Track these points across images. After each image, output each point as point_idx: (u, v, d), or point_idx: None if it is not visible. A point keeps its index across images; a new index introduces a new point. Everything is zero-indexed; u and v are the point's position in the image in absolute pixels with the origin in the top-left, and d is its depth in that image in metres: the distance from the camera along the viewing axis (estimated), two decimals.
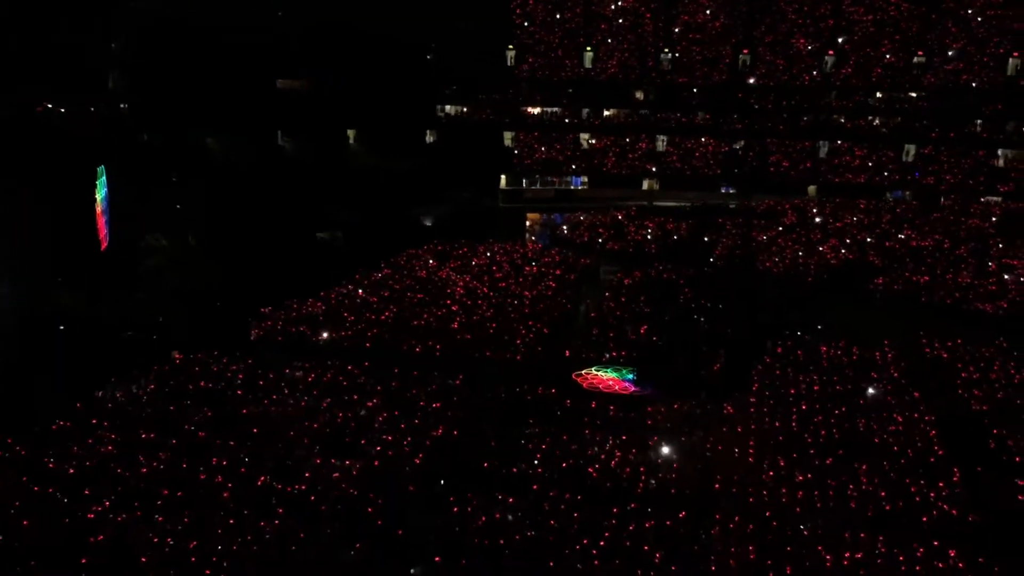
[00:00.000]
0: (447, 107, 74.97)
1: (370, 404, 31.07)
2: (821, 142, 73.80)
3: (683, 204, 66.87)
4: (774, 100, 74.33)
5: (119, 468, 26.01)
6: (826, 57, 74.49)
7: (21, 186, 39.99)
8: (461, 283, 45.90)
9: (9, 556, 21.54)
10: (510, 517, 24.00)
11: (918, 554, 22.57)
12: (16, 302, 38.92)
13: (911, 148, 72.35)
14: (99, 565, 21.37)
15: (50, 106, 60.98)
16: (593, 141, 74.85)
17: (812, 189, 72.11)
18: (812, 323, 41.67)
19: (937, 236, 57.14)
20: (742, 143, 74.44)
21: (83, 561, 21.49)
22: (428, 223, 62.36)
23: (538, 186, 72.76)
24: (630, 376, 35.65)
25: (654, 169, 73.59)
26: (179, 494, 24.62)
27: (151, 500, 24.21)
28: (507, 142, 74.22)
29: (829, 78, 74.33)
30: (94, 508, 23.65)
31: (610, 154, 74.03)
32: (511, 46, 75.97)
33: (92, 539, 22.28)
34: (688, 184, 71.88)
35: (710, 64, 75.55)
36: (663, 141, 74.69)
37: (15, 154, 43.79)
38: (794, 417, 31.13)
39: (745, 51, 75.42)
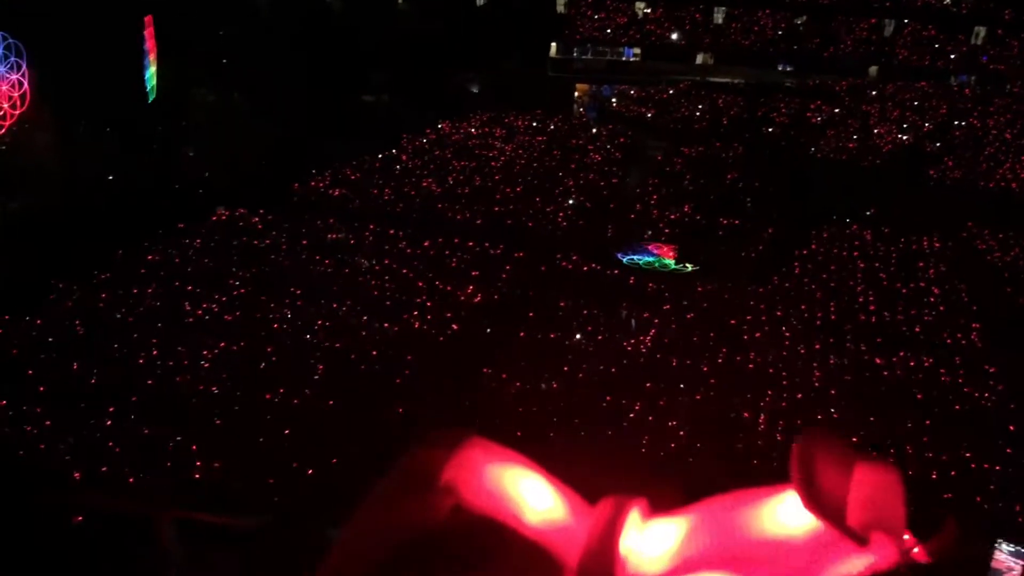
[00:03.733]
0: None
1: (408, 270, 31.38)
2: (887, 20, 70.63)
3: (737, 80, 64.87)
4: None
5: (164, 319, 26.77)
6: None
7: (68, 34, 39.67)
8: (505, 153, 45.44)
9: (59, 397, 22.44)
10: (543, 387, 24.45)
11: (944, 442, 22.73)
12: (63, 151, 39.32)
13: (981, 30, 69.04)
14: (148, 407, 22.22)
15: None
16: (648, 11, 72.32)
17: (873, 70, 69.44)
18: (861, 209, 40.90)
19: (1002, 121, 55.03)
20: (803, 18, 71.48)
21: (133, 399, 22.34)
22: (474, 90, 61.29)
23: (589, 56, 70.81)
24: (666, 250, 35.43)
25: (709, 42, 71.17)
26: (222, 345, 25.33)
27: (197, 350, 24.96)
28: (560, 8, 71.96)
29: None
30: (141, 355, 24.45)
31: (665, 25, 71.62)
32: None
33: (139, 383, 23.13)
34: (744, 60, 69.48)
35: None
36: (721, 13, 71.95)
37: (63, 1, 43.37)
38: (833, 304, 30.96)
39: None
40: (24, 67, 38.84)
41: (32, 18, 38.92)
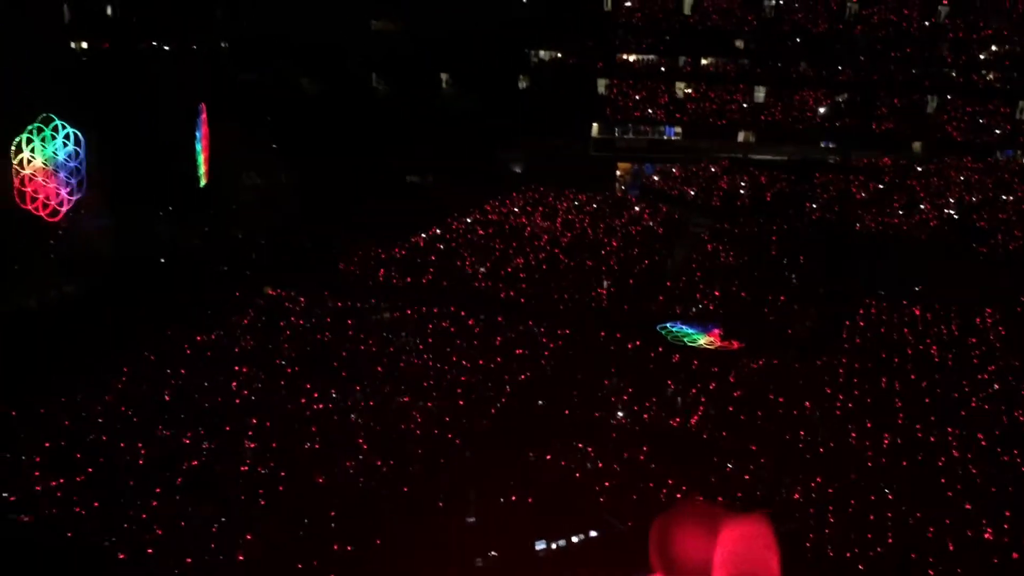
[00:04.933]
0: (541, 52, 74.07)
1: (452, 347, 31.43)
2: (929, 96, 70.66)
3: (780, 158, 65.02)
4: (881, 51, 71.29)
5: (211, 397, 27.00)
6: (939, 7, 71.01)
7: (126, 121, 41.16)
8: (549, 230, 45.74)
9: (105, 475, 22.60)
10: (588, 465, 24.13)
11: (1005, 526, 21.92)
12: (116, 234, 40.40)
13: None
14: (193, 487, 22.27)
15: (155, 44, 62.50)
16: (689, 91, 73.17)
17: (917, 145, 69.22)
18: (910, 285, 40.36)
19: None
20: (845, 96, 71.78)
21: (179, 480, 22.43)
22: (518, 169, 62.11)
23: (631, 135, 71.57)
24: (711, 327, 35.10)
25: (751, 120, 71.65)
26: (267, 424, 25.43)
27: (242, 430, 25.07)
28: (601, 89, 73.07)
29: (942, 29, 70.91)
30: (187, 434, 24.61)
31: (706, 104, 72.33)
32: None
33: (185, 464, 23.23)
34: (786, 137, 69.72)
35: (815, 13, 72.79)
36: (762, 92, 72.54)
37: (121, 90, 45.11)
38: (884, 380, 30.38)
39: (853, 0, 72.42)
40: (82, 155, 40.25)
41: (91, 109, 40.45)
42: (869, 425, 27.04)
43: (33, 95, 38.70)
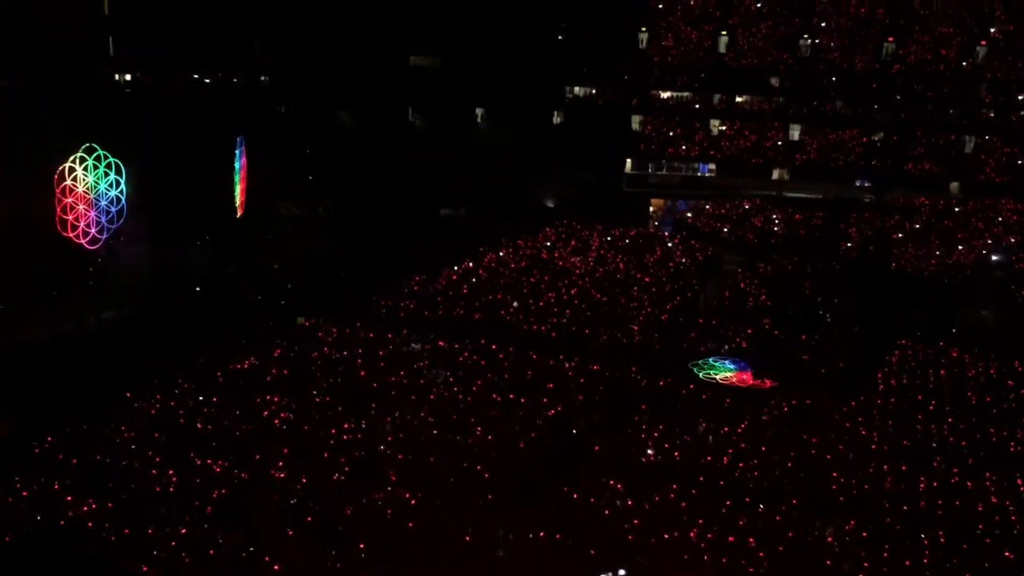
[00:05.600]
0: (575, 88, 74.49)
1: (483, 380, 31.41)
2: (967, 137, 70.09)
3: (814, 196, 64.70)
4: (919, 91, 70.90)
5: (242, 425, 27.14)
6: (977, 48, 70.65)
7: (165, 152, 41.95)
8: (580, 266, 45.74)
9: (137, 501, 22.74)
10: (618, 503, 23.91)
11: None
12: (153, 263, 41.05)
13: None
14: (223, 515, 22.35)
15: (195, 76, 63.71)
16: (723, 128, 73.18)
17: (955, 186, 68.56)
18: (946, 327, 39.84)
19: None
20: (881, 135, 71.40)
21: (208, 509, 22.52)
22: (551, 204, 62.32)
23: (664, 172, 71.60)
24: (747, 370, 34.81)
25: (785, 158, 71.43)
26: (297, 454, 25.48)
27: (272, 460, 25.14)
28: (635, 126, 73.27)
29: (980, 70, 70.49)
30: (218, 463, 24.72)
31: (740, 142, 72.27)
32: (644, 29, 74.83)
33: (215, 492, 23.32)
34: (821, 175, 69.36)
35: (851, 52, 72.69)
36: (797, 130, 72.35)
37: (161, 122, 45.99)
38: (920, 421, 29.91)
39: (890, 39, 72.25)
40: (122, 184, 41.00)
41: (132, 140, 41.30)
42: (904, 468, 26.58)
43: (77, 125, 39.60)
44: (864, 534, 22.94)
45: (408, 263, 43.73)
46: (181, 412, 27.82)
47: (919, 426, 29.70)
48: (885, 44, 72.43)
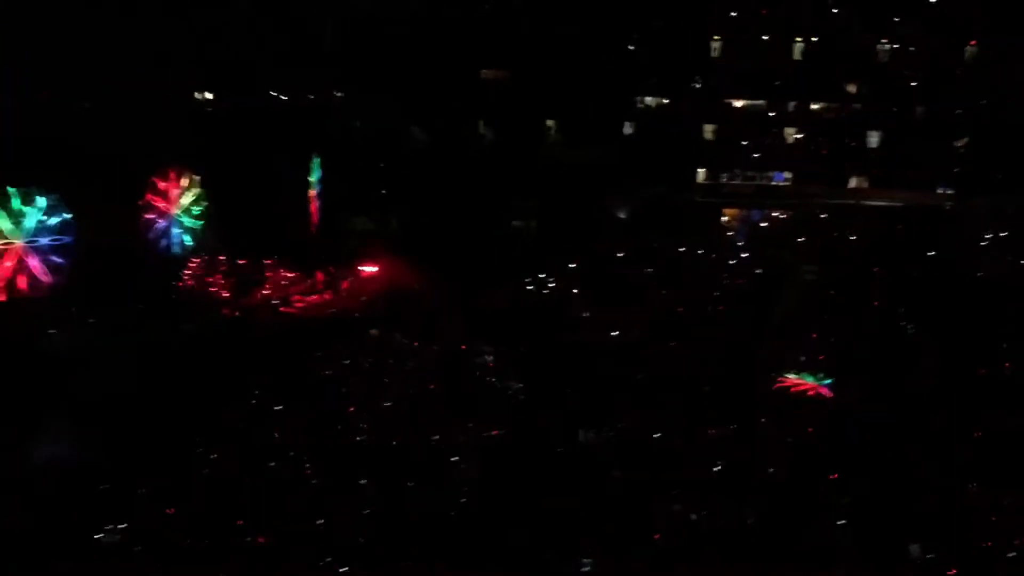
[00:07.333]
0: (647, 99, 74.01)
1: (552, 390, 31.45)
2: None
3: (893, 204, 63.12)
4: (1000, 95, 68.63)
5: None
6: None
7: (242, 169, 43.02)
8: (653, 276, 45.40)
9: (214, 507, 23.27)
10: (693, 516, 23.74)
11: None
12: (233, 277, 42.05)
13: None
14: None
15: (272, 94, 65.03)
16: (799, 136, 71.92)
17: None
18: None
19: None
20: (964, 140, 69.29)
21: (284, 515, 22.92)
22: (623, 216, 61.98)
23: (738, 181, 70.65)
24: (827, 382, 34.09)
25: (863, 166, 69.79)
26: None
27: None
28: (707, 135, 72.48)
29: None
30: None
31: (816, 149, 70.89)
32: (716, 37, 74.06)
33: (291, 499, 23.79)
34: (900, 183, 67.59)
35: (933, 56, 70.76)
36: (875, 137, 70.68)
37: (239, 139, 47.19)
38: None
39: (972, 43, 70.18)
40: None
41: (211, 157, 42.48)
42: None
43: (162, 144, 40.89)
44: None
45: (480, 275, 43.92)
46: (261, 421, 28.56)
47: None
48: (967, 48, 70.42)
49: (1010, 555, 22.43)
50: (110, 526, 22.65)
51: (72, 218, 38.41)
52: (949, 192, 66.82)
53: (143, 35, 49.14)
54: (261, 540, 22.15)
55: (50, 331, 35.34)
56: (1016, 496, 25.19)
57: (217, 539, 22.19)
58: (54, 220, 38.12)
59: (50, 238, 37.95)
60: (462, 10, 66.28)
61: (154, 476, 24.93)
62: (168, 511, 23.30)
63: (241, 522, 22.93)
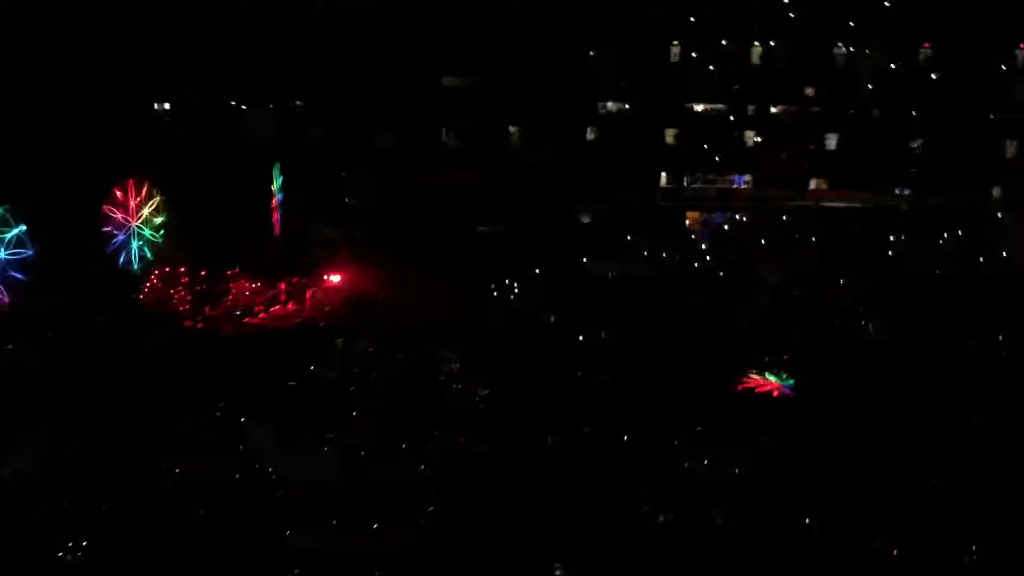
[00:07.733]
0: (608, 103, 74.28)
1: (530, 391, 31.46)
2: (1008, 140, 68.75)
3: (852, 205, 63.86)
4: (958, 96, 69.73)
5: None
6: (1017, 50, 69.43)
7: (202, 179, 42.57)
8: (618, 280, 45.63)
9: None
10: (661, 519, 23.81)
11: None
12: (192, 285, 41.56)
13: None
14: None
15: (231, 103, 64.41)
16: (759, 139, 72.57)
17: (996, 191, 67.33)
18: (993, 331, 39.16)
19: None
20: (920, 141, 70.29)
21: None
22: (586, 220, 62.09)
23: (699, 184, 71.07)
24: (790, 382, 34.47)
25: (822, 168, 70.52)
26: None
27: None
28: (668, 139, 72.90)
29: (1021, 72, 69.18)
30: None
31: (776, 152, 71.57)
32: (676, 41, 74.56)
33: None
34: (858, 184, 68.37)
35: (888, 59, 71.73)
36: (833, 139, 71.49)
37: (197, 149, 46.67)
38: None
39: (926, 44, 71.29)
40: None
41: (169, 168, 42.03)
42: None
43: (121, 155, 40.35)
44: None
45: (447, 280, 43.84)
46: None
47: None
48: (921, 50, 71.49)
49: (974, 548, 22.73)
50: (70, 543, 22.28)
51: (27, 231, 37.75)
52: (906, 193, 67.81)
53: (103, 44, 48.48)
54: (226, 550, 21.91)
55: (7, 346, 34.73)
56: (976, 491, 25.55)
57: (178, 551, 21.91)
58: (10, 233, 37.45)
59: (6, 252, 37.29)
60: (425, 17, 66.00)
61: (118, 490, 24.56)
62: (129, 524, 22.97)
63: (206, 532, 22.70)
